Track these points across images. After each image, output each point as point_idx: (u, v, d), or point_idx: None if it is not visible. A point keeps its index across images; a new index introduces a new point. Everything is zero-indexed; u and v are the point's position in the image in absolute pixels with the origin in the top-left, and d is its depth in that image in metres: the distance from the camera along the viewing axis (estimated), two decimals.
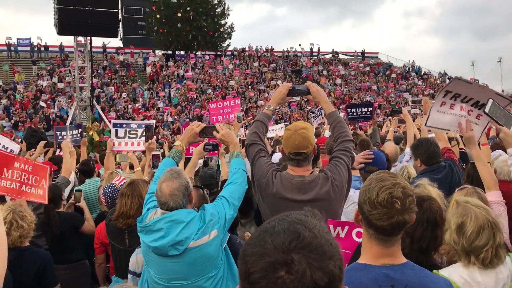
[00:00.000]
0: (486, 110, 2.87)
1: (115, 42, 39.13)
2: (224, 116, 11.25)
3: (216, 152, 5.18)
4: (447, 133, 6.65)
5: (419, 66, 45.78)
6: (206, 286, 2.80)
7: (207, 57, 40.95)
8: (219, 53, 43.08)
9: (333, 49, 45.83)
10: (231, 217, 2.93)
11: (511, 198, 3.89)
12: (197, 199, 3.63)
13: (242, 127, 9.74)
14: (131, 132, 7.17)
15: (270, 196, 2.93)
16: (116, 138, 7.05)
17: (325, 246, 0.99)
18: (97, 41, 35.70)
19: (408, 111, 7.20)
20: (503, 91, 44.38)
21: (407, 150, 5.64)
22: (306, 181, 2.88)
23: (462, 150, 5.94)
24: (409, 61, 46.53)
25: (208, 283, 2.80)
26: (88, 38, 22.26)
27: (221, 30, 44.37)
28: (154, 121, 8.48)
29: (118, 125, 7.30)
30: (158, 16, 41.43)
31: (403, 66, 45.98)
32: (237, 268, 1.05)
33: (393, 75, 42.86)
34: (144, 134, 7.06)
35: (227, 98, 21.06)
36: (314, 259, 0.96)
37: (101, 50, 37.96)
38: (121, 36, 43.37)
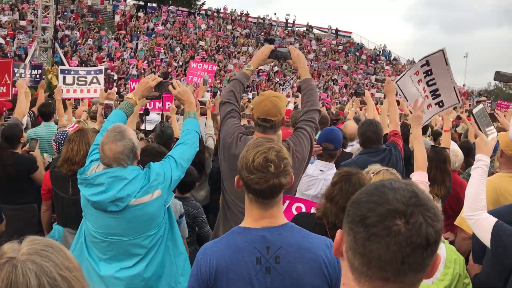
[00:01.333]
0: (474, 111, 2.91)
1: None
2: (199, 79, 11.16)
3: (159, 100, 5.10)
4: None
5: (389, 51, 46.30)
6: (145, 244, 2.77)
7: (179, 13, 39.82)
8: (192, 10, 41.94)
9: (307, 23, 45.63)
10: (178, 178, 2.87)
11: (456, 185, 4.12)
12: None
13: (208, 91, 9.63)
14: (80, 78, 6.94)
15: (232, 156, 2.94)
16: (64, 84, 6.81)
17: (436, 210, 1.07)
18: None
19: (372, 94, 7.34)
20: (464, 85, 45.76)
21: None
22: None
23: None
24: (381, 44, 47.02)
25: (147, 241, 2.78)
26: None
27: None
28: (103, 67, 8.22)
29: (66, 71, 7.05)
30: None
31: (374, 49, 46.38)
32: (349, 212, 1.11)
33: (363, 57, 43.21)
34: (94, 81, 6.85)
35: (207, 62, 20.65)
36: (429, 217, 1.04)
37: None
38: None
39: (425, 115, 3.46)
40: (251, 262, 1.88)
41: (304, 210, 2.65)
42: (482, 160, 2.67)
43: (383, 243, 1.02)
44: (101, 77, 7.24)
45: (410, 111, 3.86)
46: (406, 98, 3.76)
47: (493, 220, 2.50)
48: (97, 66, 20.25)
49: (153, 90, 3.27)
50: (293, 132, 3.10)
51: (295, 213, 2.66)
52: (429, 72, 3.50)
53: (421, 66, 3.57)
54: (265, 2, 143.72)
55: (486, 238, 2.51)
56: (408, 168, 4.65)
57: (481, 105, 2.97)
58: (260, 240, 1.90)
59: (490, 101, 10.61)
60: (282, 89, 13.03)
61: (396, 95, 4.34)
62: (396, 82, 3.79)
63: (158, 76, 3.48)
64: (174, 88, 3.21)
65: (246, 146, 2.02)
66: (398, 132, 4.28)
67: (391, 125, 4.40)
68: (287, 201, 2.68)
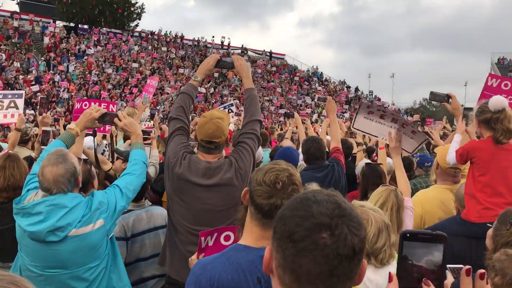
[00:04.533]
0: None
1: (10, 6, 35.78)
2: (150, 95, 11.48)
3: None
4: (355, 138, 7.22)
5: (321, 72, 47.99)
6: (86, 277, 2.64)
7: (112, 35, 39.02)
8: (125, 33, 41.28)
9: (242, 45, 46.36)
10: (122, 208, 2.80)
11: None
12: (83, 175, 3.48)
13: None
14: None
15: (175, 176, 2.95)
16: None
17: (359, 218, 1.11)
18: None
19: (307, 113, 7.67)
20: (393, 104, 48.30)
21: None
22: (212, 166, 2.94)
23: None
24: (313, 66, 48.66)
25: (88, 273, 2.65)
26: None
27: (132, 9, 42.60)
28: (23, 91, 7.79)
29: None
30: None
31: (307, 71, 47.89)
32: (277, 229, 1.12)
33: (296, 78, 44.47)
34: (11, 105, 6.54)
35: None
36: (353, 226, 1.07)
37: None
38: (18, 0, 39.78)
39: (413, 140, 3.53)
40: (252, 281, 1.87)
41: (232, 238, 2.50)
42: None
43: (311, 257, 1.04)
44: (20, 102, 6.81)
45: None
46: (373, 135, 3.90)
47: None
48: (21, 90, 19.16)
49: (97, 122, 3.17)
50: (236, 145, 3.13)
51: (224, 243, 2.51)
52: (384, 111, 3.62)
53: (367, 107, 3.68)
54: (198, 27, 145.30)
55: None
56: (354, 186, 4.84)
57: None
58: (261, 260, 1.88)
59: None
60: (224, 107, 13.08)
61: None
62: (352, 127, 3.93)
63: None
64: (120, 120, 3.16)
65: (266, 163, 2.04)
66: (340, 149, 4.44)
67: (333, 142, 4.56)
68: (215, 234, 2.49)
